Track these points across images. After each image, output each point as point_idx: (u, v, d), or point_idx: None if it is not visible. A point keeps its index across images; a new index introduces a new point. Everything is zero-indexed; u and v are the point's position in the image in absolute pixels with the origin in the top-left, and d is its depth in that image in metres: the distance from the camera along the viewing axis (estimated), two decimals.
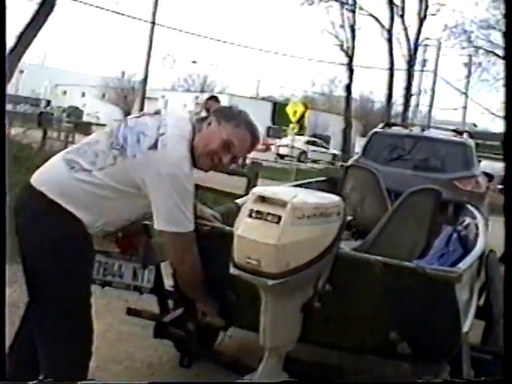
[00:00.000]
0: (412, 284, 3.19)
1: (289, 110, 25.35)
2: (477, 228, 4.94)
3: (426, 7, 35.07)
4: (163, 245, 3.42)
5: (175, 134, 3.21)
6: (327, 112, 63.82)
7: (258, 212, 2.89)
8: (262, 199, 2.92)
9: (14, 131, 16.03)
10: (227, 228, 3.36)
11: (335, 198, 3.12)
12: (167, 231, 3.17)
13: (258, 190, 3.00)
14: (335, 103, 57.97)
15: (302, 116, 25.37)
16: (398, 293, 3.23)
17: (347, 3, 34.25)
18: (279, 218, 2.83)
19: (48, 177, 3.27)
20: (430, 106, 36.91)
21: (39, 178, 3.28)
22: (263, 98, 74.57)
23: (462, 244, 4.57)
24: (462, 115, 42.37)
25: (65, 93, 72.66)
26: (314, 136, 59.66)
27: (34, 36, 11.70)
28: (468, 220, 5.44)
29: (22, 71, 40.91)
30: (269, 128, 59.56)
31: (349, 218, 5.00)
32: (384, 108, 36.82)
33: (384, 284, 3.23)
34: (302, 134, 36.62)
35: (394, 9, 34.30)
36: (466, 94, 39.21)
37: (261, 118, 58.72)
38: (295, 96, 57.01)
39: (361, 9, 34.48)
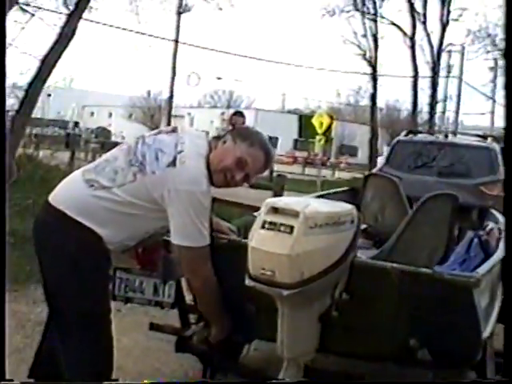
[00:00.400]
0: (430, 290, 3.19)
1: (315, 121, 25.43)
2: (500, 232, 4.91)
3: (448, 12, 34.81)
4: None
5: (193, 151, 3.27)
6: (354, 122, 63.72)
7: (270, 223, 2.92)
8: (275, 210, 2.95)
9: (41, 154, 16.21)
10: (243, 240, 3.38)
11: (348, 207, 3.13)
12: (182, 245, 3.22)
13: (271, 201, 3.03)
14: (361, 113, 57.86)
15: (329, 127, 25.45)
16: (416, 299, 3.23)
17: (368, 13, 34.18)
18: (292, 228, 2.85)
19: (66, 195, 3.35)
20: (457, 112, 36.76)
21: (57, 197, 3.36)
22: (289, 111, 74.69)
23: (483, 249, 4.54)
24: (489, 120, 42.09)
25: (92, 114, 73.41)
26: (342, 147, 59.66)
27: (57, 60, 11.84)
28: (491, 225, 5.41)
29: (49, 95, 41.34)
30: (296, 141, 59.71)
31: (363, 226, 5.00)
32: (410, 116, 36.67)
33: (401, 291, 3.23)
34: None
35: (416, 16, 34.17)
36: (492, 98, 38.99)
37: (287, 132, 59.02)
38: (321, 108, 56.97)
39: (382, 17, 34.42)
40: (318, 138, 25.82)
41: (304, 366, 3.30)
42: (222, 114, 54.95)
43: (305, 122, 43.44)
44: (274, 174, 14.20)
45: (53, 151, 16.22)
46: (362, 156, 48.11)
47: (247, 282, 3.01)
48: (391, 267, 3.24)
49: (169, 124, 32.45)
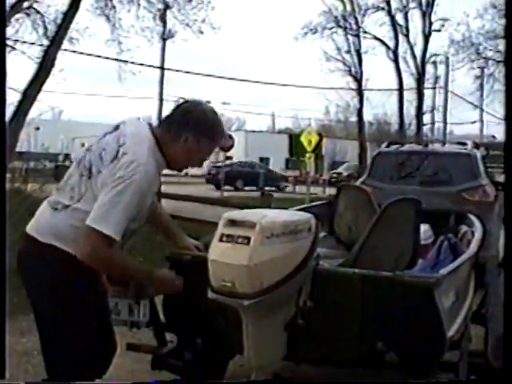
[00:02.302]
0: (392, 293, 3.26)
1: (303, 140, 25.46)
2: (473, 235, 4.97)
3: (430, 24, 35.19)
4: None
5: (135, 141, 3.27)
6: (345, 138, 63.83)
7: (228, 235, 2.99)
8: (232, 223, 3.02)
9: (30, 187, 16.18)
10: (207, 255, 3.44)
11: (305, 215, 3.20)
12: (93, 227, 3.14)
13: (228, 214, 3.10)
14: (352, 129, 58.13)
15: (318, 145, 25.48)
16: (379, 303, 3.30)
17: (351, 28, 34.50)
18: (249, 239, 2.92)
19: (38, 222, 3.40)
20: (444, 122, 36.75)
21: (31, 225, 3.42)
22: (280, 131, 74.84)
23: (452, 251, 4.61)
24: (479, 128, 42.20)
25: (83, 145, 73.24)
26: (333, 163, 59.71)
27: (38, 91, 11.97)
28: (464, 228, 5.48)
29: (37, 128, 41.45)
30: (287, 160, 59.72)
31: (322, 233, 5.06)
32: (398, 129, 36.90)
33: (365, 296, 3.30)
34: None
35: (398, 28, 34.51)
36: (478, 106, 39.07)
37: (278, 151, 59.01)
38: (311, 126, 57.07)
39: (365, 32, 34.74)
40: (307, 155, 25.85)
41: (274, 375, 3.35)
42: None
43: (295, 141, 43.49)
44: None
45: (41, 184, 16.18)
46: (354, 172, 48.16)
47: (210, 294, 3.06)
48: (353, 273, 3.32)
49: None
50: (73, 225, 3.27)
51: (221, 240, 3.01)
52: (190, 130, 3.34)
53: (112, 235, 3.13)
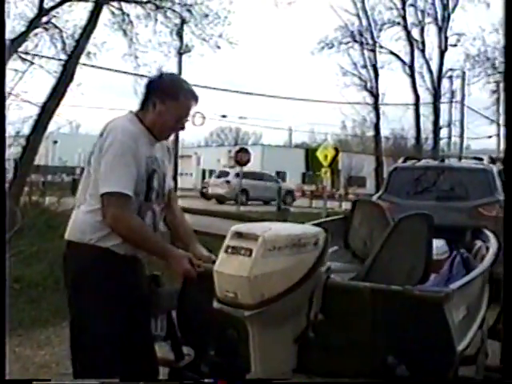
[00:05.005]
0: (402, 307, 3.22)
1: (319, 154, 25.50)
2: (487, 250, 4.94)
3: (446, 39, 35.11)
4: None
5: (115, 122, 3.54)
6: (362, 153, 63.75)
7: (233, 247, 3.05)
8: (239, 235, 3.06)
9: (48, 200, 16.26)
10: None
11: (313, 229, 3.20)
12: (104, 192, 3.34)
13: (236, 226, 3.13)
14: (369, 144, 58.00)
15: (334, 159, 25.49)
16: (390, 317, 3.26)
17: (367, 43, 34.52)
18: (251, 251, 2.97)
19: (70, 225, 3.56)
20: (461, 136, 36.65)
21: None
22: (296, 146, 74.90)
23: (466, 266, 4.58)
24: (495, 143, 41.94)
25: None
26: (350, 178, 59.65)
27: (57, 105, 12.05)
28: (479, 243, 5.45)
29: (55, 141, 41.69)
30: (304, 174, 59.80)
31: (334, 247, 5.03)
32: (415, 144, 36.78)
33: (375, 309, 3.26)
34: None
35: (414, 43, 34.48)
36: (495, 121, 38.72)
37: (295, 166, 59.12)
38: (327, 140, 57.02)
39: (381, 47, 34.74)
40: (323, 170, 25.87)
41: None
42: (229, 151, 55.29)
43: (311, 155, 43.59)
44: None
45: (58, 198, 16.27)
46: (371, 186, 48.00)
47: (215, 304, 3.12)
48: (363, 286, 3.29)
49: (176, 165, 32.46)
50: (92, 217, 3.42)
51: (226, 251, 3.07)
52: (153, 96, 3.57)
53: (119, 190, 3.32)
